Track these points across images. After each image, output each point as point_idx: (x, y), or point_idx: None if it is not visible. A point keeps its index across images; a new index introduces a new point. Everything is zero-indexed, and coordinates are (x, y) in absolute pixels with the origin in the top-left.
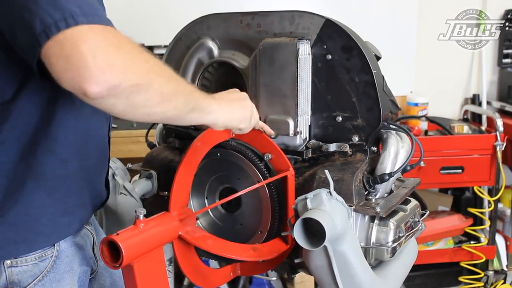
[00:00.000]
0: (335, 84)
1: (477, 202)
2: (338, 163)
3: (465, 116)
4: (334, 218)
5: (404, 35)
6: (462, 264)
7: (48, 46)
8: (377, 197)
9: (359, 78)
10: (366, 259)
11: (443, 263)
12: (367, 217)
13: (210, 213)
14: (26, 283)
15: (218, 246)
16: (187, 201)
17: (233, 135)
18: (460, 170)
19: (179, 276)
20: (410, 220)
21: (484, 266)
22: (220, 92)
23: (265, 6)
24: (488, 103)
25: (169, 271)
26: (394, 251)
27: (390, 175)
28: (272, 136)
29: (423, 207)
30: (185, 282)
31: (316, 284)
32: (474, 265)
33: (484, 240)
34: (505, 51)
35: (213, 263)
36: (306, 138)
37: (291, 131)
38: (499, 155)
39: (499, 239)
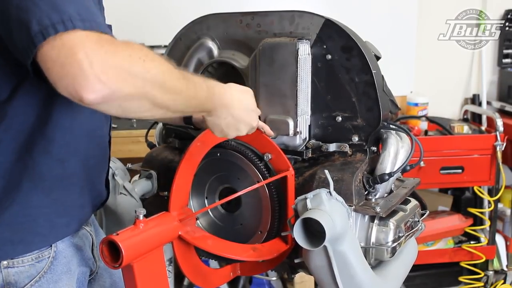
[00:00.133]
0: (335, 84)
1: (477, 202)
2: (338, 163)
3: (465, 116)
4: (334, 218)
5: (404, 35)
6: (462, 264)
7: (44, 50)
8: (377, 197)
9: (359, 78)
10: (366, 259)
11: (443, 263)
12: (367, 217)
13: (210, 213)
14: (22, 283)
15: (218, 246)
16: (187, 201)
17: None
18: (460, 170)
19: (179, 276)
20: (410, 220)
21: (484, 266)
22: (232, 90)
23: (265, 6)
24: (488, 103)
25: (169, 271)
26: (394, 251)
27: (390, 175)
28: (272, 136)
29: (423, 207)
30: (185, 282)
31: (316, 284)
32: (474, 265)
33: (484, 240)
34: (505, 51)
35: (213, 263)
36: (306, 138)
37: (291, 131)
38: (499, 155)
39: (499, 239)
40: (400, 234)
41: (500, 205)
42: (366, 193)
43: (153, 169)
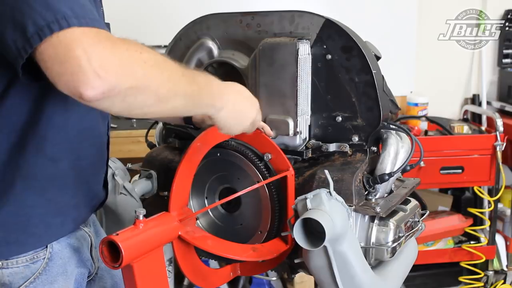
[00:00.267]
0: (335, 84)
1: (477, 202)
2: (338, 163)
3: (465, 116)
4: (334, 218)
5: (404, 35)
6: (462, 264)
7: (42, 48)
8: (377, 197)
9: (359, 78)
10: (366, 259)
11: (443, 263)
12: (367, 217)
13: (210, 213)
14: (17, 284)
15: (218, 246)
16: (187, 201)
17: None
18: (460, 170)
19: (179, 276)
20: (410, 220)
21: (484, 266)
22: (230, 89)
23: (265, 6)
24: (488, 103)
25: (169, 271)
26: (394, 251)
27: (390, 175)
28: (272, 137)
29: (423, 207)
30: (185, 282)
31: (316, 284)
32: (474, 265)
33: (484, 240)
34: (505, 51)
35: (213, 263)
36: (306, 138)
37: (291, 131)
38: (499, 155)
39: (499, 239)
40: (400, 234)
41: (500, 205)
42: (366, 193)
43: (153, 169)
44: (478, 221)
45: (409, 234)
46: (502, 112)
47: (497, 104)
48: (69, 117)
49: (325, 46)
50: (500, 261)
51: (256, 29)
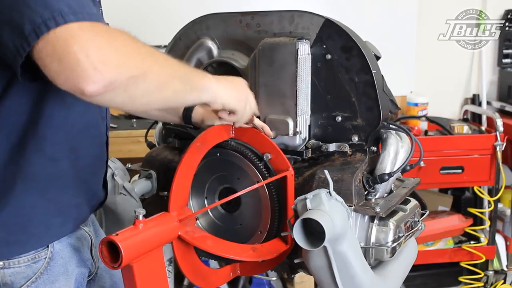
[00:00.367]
0: (335, 84)
1: (477, 202)
2: (337, 163)
3: (465, 116)
4: (334, 218)
5: (404, 35)
6: (462, 264)
7: (39, 47)
8: (376, 197)
9: (359, 78)
10: (366, 259)
11: (443, 263)
12: (366, 217)
13: (210, 213)
14: (19, 284)
15: (217, 246)
16: (187, 201)
17: (233, 134)
18: (460, 170)
19: (179, 276)
20: (410, 220)
21: (484, 266)
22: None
23: (264, 6)
24: (488, 103)
25: (169, 271)
26: (393, 251)
27: (390, 175)
28: (272, 136)
29: (423, 207)
30: (185, 282)
31: (316, 284)
32: (474, 265)
33: (484, 240)
34: (505, 51)
35: (213, 263)
36: (305, 138)
37: (291, 131)
38: (499, 155)
39: (499, 239)
40: (400, 234)
41: (500, 205)
42: (366, 193)
43: (153, 169)
44: (478, 221)
45: (409, 234)
46: (502, 112)
47: (497, 104)
48: (69, 117)
49: (324, 46)
50: (500, 261)
51: (256, 29)
